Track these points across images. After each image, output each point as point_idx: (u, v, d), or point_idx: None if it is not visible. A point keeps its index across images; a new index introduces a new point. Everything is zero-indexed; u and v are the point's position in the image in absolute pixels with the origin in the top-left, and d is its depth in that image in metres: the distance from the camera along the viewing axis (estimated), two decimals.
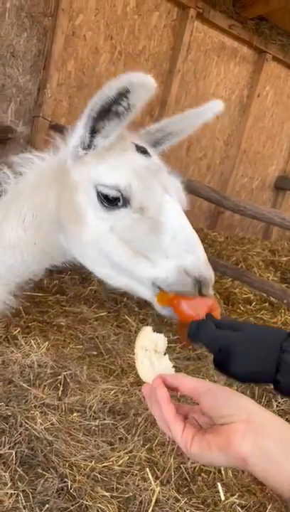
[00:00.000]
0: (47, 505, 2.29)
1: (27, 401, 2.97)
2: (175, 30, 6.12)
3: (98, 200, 1.36)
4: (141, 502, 2.41)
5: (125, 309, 4.81)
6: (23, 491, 2.34)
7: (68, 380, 3.30)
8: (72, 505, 2.31)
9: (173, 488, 2.56)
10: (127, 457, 2.69)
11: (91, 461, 2.58)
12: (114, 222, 1.33)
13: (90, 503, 2.32)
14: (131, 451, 2.75)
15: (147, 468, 2.63)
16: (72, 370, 3.40)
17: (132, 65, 5.86)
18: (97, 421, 2.94)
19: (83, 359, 3.67)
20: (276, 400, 3.59)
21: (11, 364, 3.31)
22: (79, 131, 1.41)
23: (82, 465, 2.55)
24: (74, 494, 2.37)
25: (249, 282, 4.73)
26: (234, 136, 7.41)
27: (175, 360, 3.87)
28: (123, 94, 1.27)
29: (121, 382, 3.43)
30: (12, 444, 2.60)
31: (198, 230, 1.32)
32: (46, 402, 2.99)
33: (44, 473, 2.47)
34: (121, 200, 1.33)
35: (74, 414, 2.97)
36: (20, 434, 2.67)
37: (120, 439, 2.86)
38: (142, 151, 1.45)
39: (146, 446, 2.82)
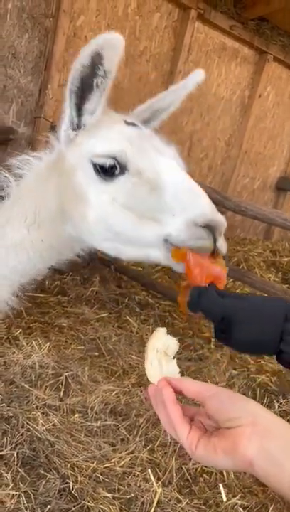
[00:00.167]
0: (49, 506, 2.29)
1: (28, 402, 2.97)
2: (176, 31, 6.12)
3: (96, 174, 1.36)
4: (142, 503, 2.41)
5: (126, 310, 4.81)
6: (25, 491, 2.34)
7: (70, 380, 3.30)
8: (74, 506, 2.31)
9: (174, 489, 2.55)
10: (129, 458, 2.69)
11: (93, 462, 2.58)
12: (115, 193, 1.33)
13: (92, 504, 2.31)
14: (132, 452, 2.75)
15: (149, 469, 2.63)
16: (73, 371, 3.40)
17: (133, 66, 5.87)
18: (99, 422, 2.94)
19: (84, 360, 3.67)
20: (277, 401, 3.59)
21: (12, 365, 3.31)
22: (66, 112, 1.42)
23: (84, 466, 2.55)
24: (76, 495, 2.36)
25: (250, 283, 4.71)
26: (235, 136, 7.40)
27: (177, 361, 3.86)
28: (97, 63, 1.30)
29: (122, 383, 3.43)
30: (14, 445, 2.60)
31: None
32: (48, 402, 2.99)
33: (46, 474, 2.47)
34: (118, 168, 1.33)
35: (76, 415, 2.97)
36: (21, 435, 2.67)
37: (122, 440, 2.86)
38: (132, 124, 1.47)
39: (148, 447, 2.82)
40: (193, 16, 6.00)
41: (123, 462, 2.64)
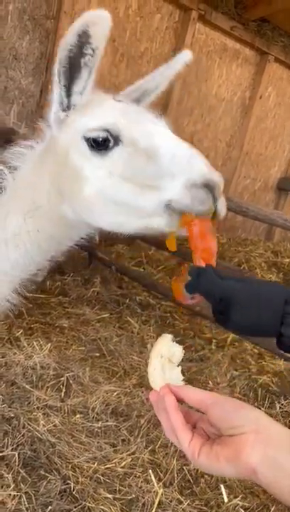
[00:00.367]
0: (50, 507, 2.29)
1: (29, 403, 2.97)
2: (177, 32, 6.12)
3: (90, 149, 1.35)
4: (143, 504, 2.41)
5: (127, 311, 4.81)
6: (26, 492, 2.34)
7: (71, 381, 3.30)
8: (75, 507, 2.31)
9: (175, 490, 2.55)
10: (130, 459, 2.69)
11: (94, 463, 2.58)
12: (112, 166, 1.33)
13: (93, 505, 2.31)
14: (133, 453, 2.75)
15: (150, 470, 2.63)
16: (74, 372, 3.40)
17: (134, 67, 5.87)
18: (100, 423, 2.94)
19: (86, 361, 3.67)
20: (279, 402, 3.58)
21: (13, 366, 3.32)
22: (55, 93, 1.42)
23: (85, 467, 2.55)
24: (77, 496, 2.36)
25: None
26: (236, 137, 7.41)
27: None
28: (85, 42, 1.29)
29: (123, 383, 3.43)
30: (15, 446, 2.60)
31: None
32: (49, 403, 2.99)
33: (47, 474, 2.47)
34: (112, 140, 1.33)
35: (77, 415, 2.97)
36: (23, 435, 2.67)
37: (123, 440, 2.86)
38: (121, 101, 1.48)
39: (149, 448, 2.82)
40: (194, 17, 6.01)
41: (124, 463, 2.64)
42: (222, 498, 2.57)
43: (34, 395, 3.03)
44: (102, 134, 1.33)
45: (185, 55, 1.59)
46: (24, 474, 2.45)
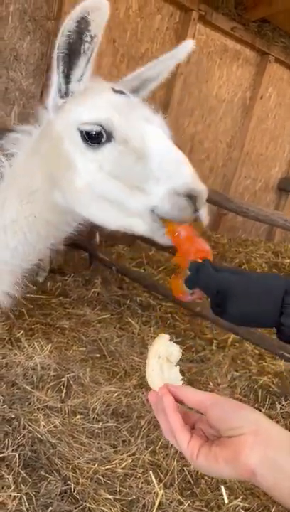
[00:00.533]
0: (50, 508, 2.29)
1: (30, 403, 2.97)
2: (177, 32, 6.13)
3: (83, 141, 1.36)
4: (144, 505, 2.40)
5: (128, 311, 4.80)
6: (26, 493, 2.34)
7: (71, 382, 3.30)
8: (76, 508, 2.31)
9: (176, 491, 2.55)
10: (130, 460, 2.68)
11: (94, 464, 2.58)
12: (102, 161, 1.33)
13: (93, 506, 2.31)
14: (134, 454, 2.74)
15: (150, 471, 2.63)
16: (75, 373, 3.40)
17: (135, 68, 5.86)
18: (100, 423, 2.94)
19: (86, 361, 3.67)
20: (279, 403, 3.58)
21: (14, 366, 3.32)
22: (54, 79, 1.43)
23: (85, 468, 2.54)
24: (78, 497, 2.36)
25: None
26: (237, 138, 7.41)
27: (178, 362, 3.86)
28: (84, 29, 1.30)
29: (124, 384, 3.43)
30: (15, 447, 2.60)
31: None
32: (49, 404, 2.99)
33: (47, 475, 2.47)
34: (105, 136, 1.33)
35: (78, 416, 2.97)
36: (23, 436, 2.67)
37: (123, 441, 2.86)
38: (120, 92, 1.47)
39: (149, 449, 2.82)
40: (195, 17, 6.01)
41: (124, 464, 2.64)
42: (223, 499, 2.57)
43: (34, 395, 3.03)
44: (96, 128, 1.33)
45: (188, 45, 1.58)
46: (24, 475, 2.45)
